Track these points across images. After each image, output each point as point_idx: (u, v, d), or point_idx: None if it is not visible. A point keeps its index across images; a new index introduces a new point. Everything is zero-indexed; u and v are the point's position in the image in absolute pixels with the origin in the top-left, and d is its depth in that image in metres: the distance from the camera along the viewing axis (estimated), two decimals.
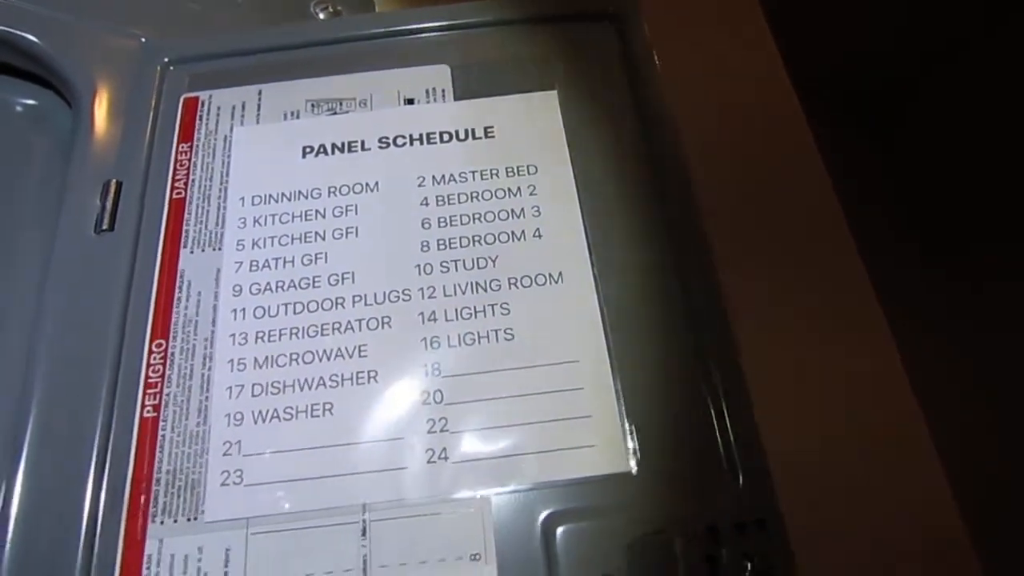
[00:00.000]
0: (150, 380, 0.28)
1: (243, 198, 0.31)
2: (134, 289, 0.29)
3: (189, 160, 0.32)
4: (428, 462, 0.26)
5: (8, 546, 0.25)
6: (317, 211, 0.31)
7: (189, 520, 0.26)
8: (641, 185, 0.31)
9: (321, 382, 0.28)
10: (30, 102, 0.36)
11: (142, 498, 0.26)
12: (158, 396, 0.28)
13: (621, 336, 0.28)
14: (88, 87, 0.32)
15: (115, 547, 0.25)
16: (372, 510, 0.26)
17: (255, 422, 0.27)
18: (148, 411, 0.27)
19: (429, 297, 0.29)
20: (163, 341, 0.29)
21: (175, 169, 0.32)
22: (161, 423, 0.27)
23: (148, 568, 0.25)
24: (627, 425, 0.26)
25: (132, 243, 0.30)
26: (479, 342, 0.28)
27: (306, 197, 0.31)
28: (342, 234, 0.30)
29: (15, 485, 0.26)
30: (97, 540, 0.25)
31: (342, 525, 0.25)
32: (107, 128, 0.32)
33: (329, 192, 0.31)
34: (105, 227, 0.30)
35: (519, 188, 0.31)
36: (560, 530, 0.25)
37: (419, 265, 0.29)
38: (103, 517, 0.26)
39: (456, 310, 0.28)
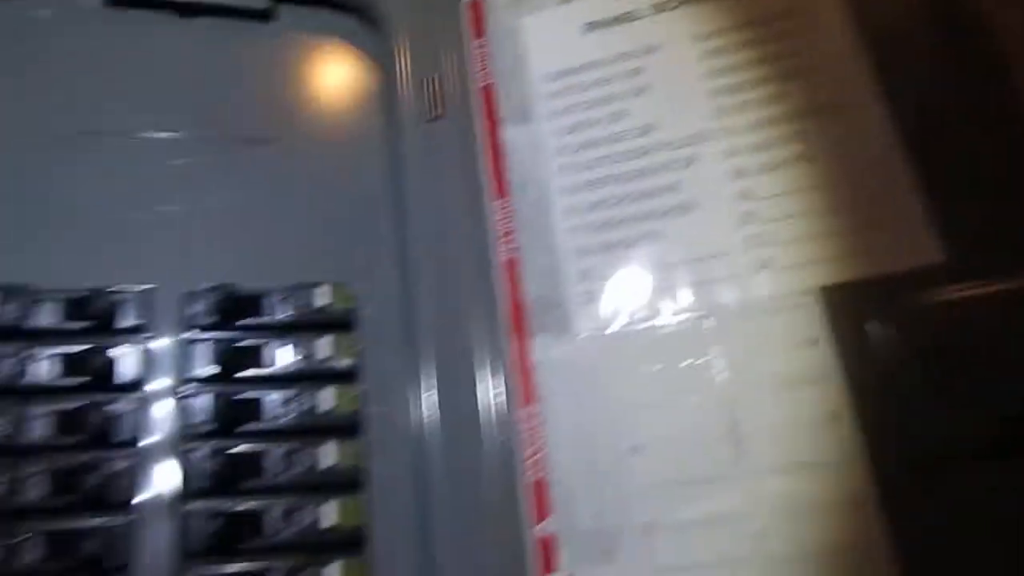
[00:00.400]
0: (501, 231, 0.34)
1: (543, 75, 0.36)
2: (470, 159, 0.35)
3: (486, 52, 0.37)
4: (755, 272, 0.31)
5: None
6: (611, 77, 0.35)
7: (560, 332, 0.32)
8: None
9: (648, 215, 0.32)
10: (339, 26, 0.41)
11: (522, 320, 0.32)
12: (512, 242, 0.33)
13: (912, 149, 0.31)
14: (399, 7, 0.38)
15: (507, 358, 0.32)
16: (715, 312, 0.31)
17: (599, 253, 0.32)
18: (507, 255, 0.33)
19: (729, 136, 0.33)
20: (505, 200, 0.34)
21: (479, 61, 0.37)
22: (520, 264, 0.33)
23: (537, 372, 0.31)
24: (929, 222, 0.30)
25: (459, 125, 0.36)
26: (783, 168, 0.32)
27: (598, 66, 0.36)
28: (638, 92, 0.35)
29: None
30: (492, 354, 0.32)
31: (689, 325, 0.31)
32: (419, 35, 0.38)
33: (617, 58, 0.35)
34: (436, 116, 0.36)
35: (795, 28, 0.34)
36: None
37: (715, 108, 0.33)
38: (493, 338, 0.32)
39: (755, 144, 0.32)
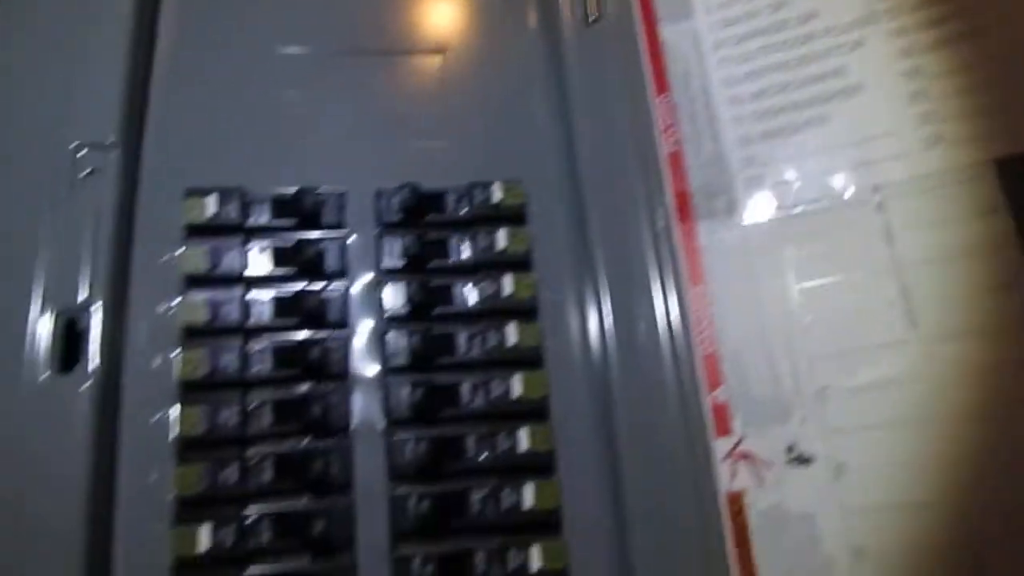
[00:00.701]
0: (664, 125, 0.35)
1: None
2: (630, 57, 0.36)
3: None
4: (927, 148, 0.31)
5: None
6: None
7: (727, 217, 0.33)
8: None
9: (812, 101, 0.33)
10: None
11: (688, 207, 0.34)
12: (675, 134, 0.35)
13: None
14: None
15: (675, 243, 0.33)
16: (884, 189, 0.31)
17: (763, 140, 0.33)
18: (671, 147, 0.35)
19: (897, 16, 0.33)
20: (666, 96, 0.36)
21: None
22: (684, 155, 0.35)
23: (705, 253, 0.33)
24: None
25: (617, 26, 0.37)
26: (952, 44, 0.32)
27: None
28: None
29: None
30: (662, 240, 0.34)
31: (858, 203, 0.31)
32: None
33: None
34: (594, 18, 0.37)
35: None
36: None
37: None
38: (661, 227, 0.34)
39: (923, 22, 0.32)
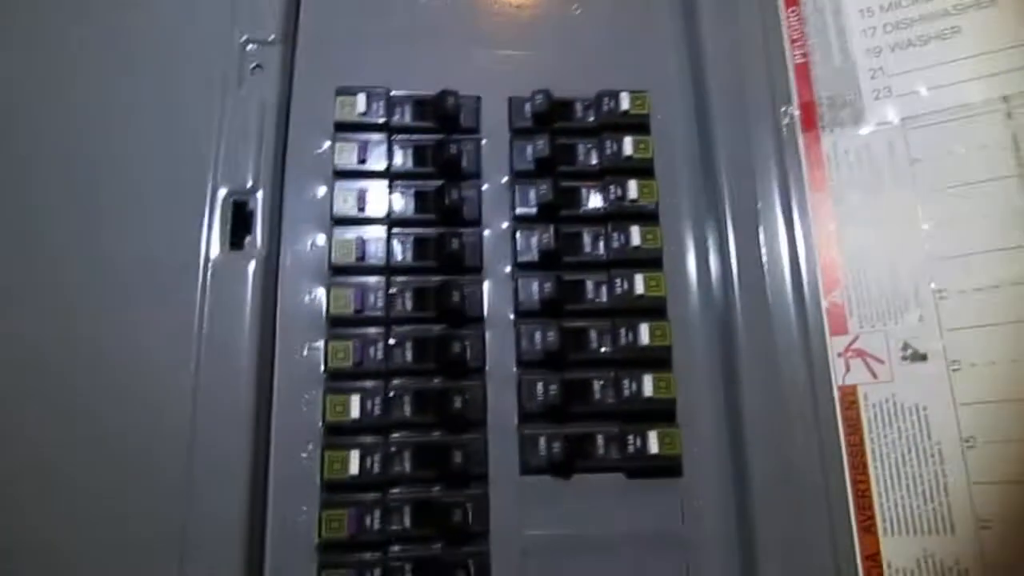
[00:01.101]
0: (793, 37, 0.36)
1: None
2: None
3: None
4: None
5: None
6: None
7: (853, 126, 0.34)
8: None
9: (943, 13, 0.34)
10: None
11: (813, 117, 0.35)
12: (803, 46, 0.36)
13: None
14: None
15: (799, 150, 0.35)
16: (1012, 99, 0.32)
17: (892, 51, 0.34)
18: (798, 59, 0.36)
19: None
20: (796, 8, 0.36)
21: None
22: (811, 66, 0.35)
23: (829, 161, 0.34)
24: None
25: None
26: None
27: None
28: None
29: None
30: (785, 147, 0.35)
31: (987, 111, 0.32)
32: None
33: None
34: None
35: None
36: None
37: None
38: (786, 134, 0.35)
39: None
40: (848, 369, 0.32)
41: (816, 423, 0.32)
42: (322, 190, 0.35)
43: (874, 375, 0.32)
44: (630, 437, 0.33)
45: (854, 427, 0.32)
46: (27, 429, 0.30)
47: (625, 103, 0.37)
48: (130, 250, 0.32)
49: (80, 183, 0.33)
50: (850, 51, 0.35)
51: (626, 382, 0.34)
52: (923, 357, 0.31)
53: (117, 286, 0.32)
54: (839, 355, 0.32)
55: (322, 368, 0.33)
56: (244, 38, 0.35)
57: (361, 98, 0.36)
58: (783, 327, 0.33)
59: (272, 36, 0.35)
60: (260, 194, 0.33)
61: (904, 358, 0.31)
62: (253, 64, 0.34)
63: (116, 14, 0.35)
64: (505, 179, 0.36)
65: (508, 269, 0.35)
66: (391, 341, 0.34)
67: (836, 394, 0.32)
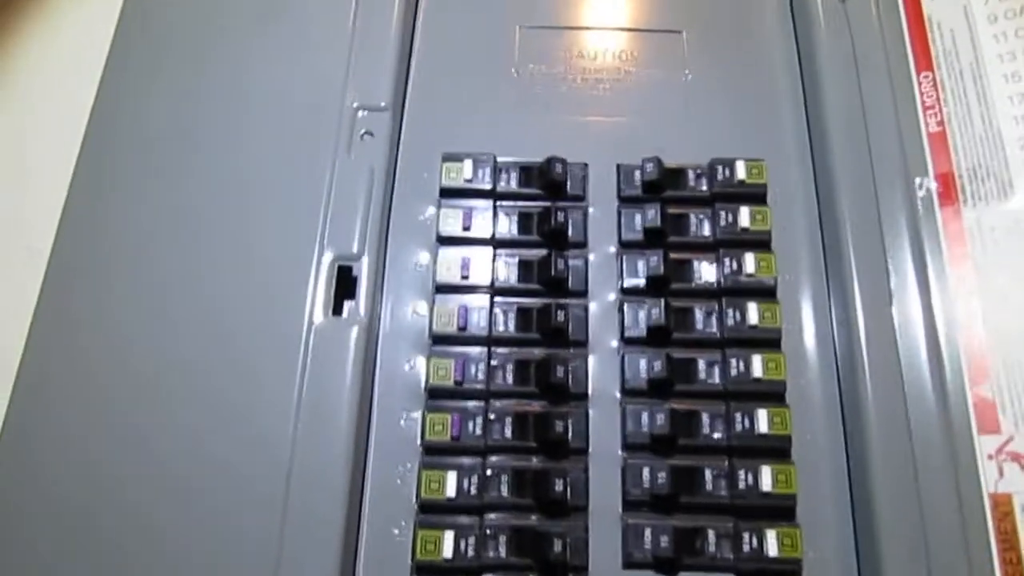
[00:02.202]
0: (926, 104, 0.33)
1: None
2: (888, 34, 0.35)
3: None
4: None
5: None
6: None
7: (1000, 200, 0.31)
8: None
9: None
10: None
11: (953, 189, 0.32)
12: (938, 114, 0.33)
13: None
14: None
15: (937, 226, 0.32)
16: None
17: None
18: (933, 127, 0.33)
19: None
20: (929, 72, 0.34)
21: None
22: (949, 135, 0.33)
23: (971, 237, 0.31)
24: None
25: (875, 3, 0.36)
26: None
27: None
28: None
29: None
30: (921, 223, 0.32)
31: None
32: None
33: None
34: None
35: None
36: None
37: None
38: (923, 211, 0.32)
39: None
40: (1002, 474, 0.29)
41: (964, 536, 0.28)
42: (426, 257, 0.34)
43: None
44: (745, 535, 0.30)
45: (1010, 542, 0.28)
46: (129, 493, 0.29)
47: (741, 172, 0.35)
48: (239, 313, 0.32)
49: (194, 244, 0.33)
50: (993, 118, 0.32)
51: (741, 473, 0.31)
52: None
53: (224, 349, 0.31)
54: (990, 457, 0.29)
55: (419, 440, 0.32)
56: (355, 104, 0.35)
57: (468, 164, 0.35)
58: (922, 422, 0.30)
59: (383, 103, 0.35)
60: (365, 260, 0.33)
61: None
62: (363, 131, 0.34)
63: (234, 78, 0.35)
64: (613, 249, 0.35)
65: (615, 344, 0.33)
66: (491, 416, 0.32)
67: (987, 503, 0.28)
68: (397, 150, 0.36)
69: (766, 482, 0.31)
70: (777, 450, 0.32)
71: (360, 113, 0.35)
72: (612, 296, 0.34)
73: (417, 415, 0.32)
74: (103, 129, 0.35)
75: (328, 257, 0.33)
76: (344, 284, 0.33)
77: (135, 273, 0.33)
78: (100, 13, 0.37)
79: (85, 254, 0.33)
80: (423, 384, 0.33)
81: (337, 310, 0.32)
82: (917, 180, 0.33)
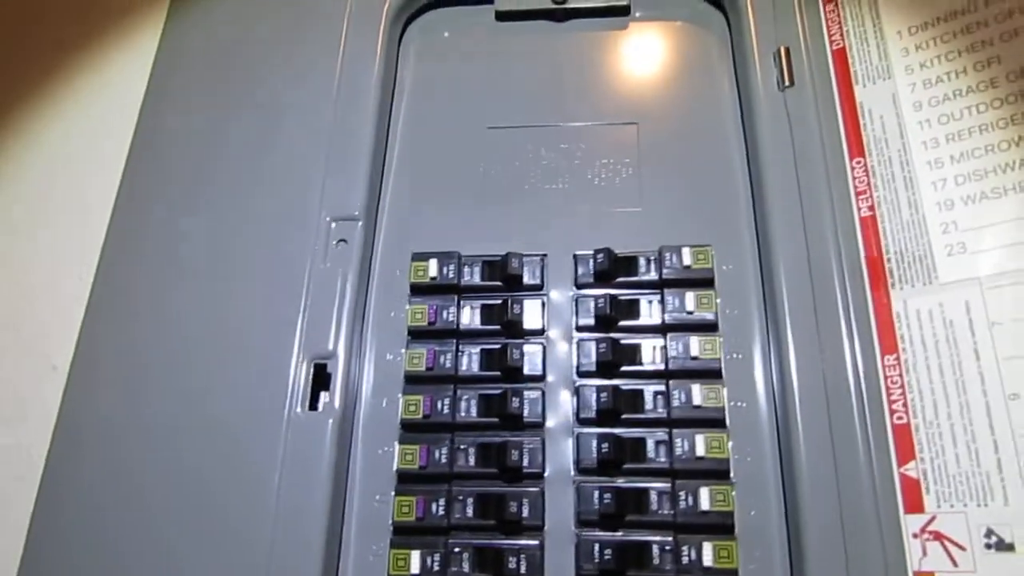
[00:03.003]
0: (859, 189, 0.35)
1: (899, 32, 0.36)
2: (824, 121, 0.37)
3: (838, 15, 0.38)
4: None
5: None
6: (978, 23, 0.34)
7: (925, 284, 0.32)
8: None
9: (1022, 161, 0.31)
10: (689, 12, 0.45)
11: (881, 273, 0.33)
12: (870, 199, 0.35)
13: None
14: None
15: (867, 309, 0.33)
16: None
17: (965, 204, 0.32)
18: (864, 211, 0.34)
19: None
20: (861, 159, 0.35)
21: (828, 26, 0.38)
22: (879, 219, 0.34)
23: (899, 322, 0.32)
24: None
25: (812, 90, 0.38)
26: None
27: (962, 14, 0.35)
28: (1010, 35, 0.33)
29: None
30: (851, 305, 0.33)
31: None
32: (765, 9, 0.40)
33: (986, 3, 0.34)
34: (787, 84, 0.38)
35: None
36: None
37: None
38: (852, 289, 0.34)
39: None
40: (925, 553, 0.30)
41: None
42: (397, 350, 0.38)
43: (954, 563, 0.29)
44: None
45: None
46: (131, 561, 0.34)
47: (687, 258, 0.37)
48: (225, 408, 0.36)
49: (186, 347, 0.37)
50: (920, 204, 0.33)
51: (685, 548, 0.33)
52: (1010, 547, 0.28)
53: (210, 441, 0.36)
54: (914, 536, 0.30)
55: (389, 520, 0.35)
56: (328, 217, 0.39)
57: (433, 263, 0.39)
58: (852, 501, 0.31)
59: (356, 212, 0.39)
60: (340, 357, 0.37)
61: (988, 546, 0.29)
62: (337, 239, 0.38)
63: (227, 197, 0.40)
64: (569, 334, 0.38)
65: (569, 424, 0.36)
66: (456, 497, 0.35)
67: None
68: (373, 252, 0.40)
69: (708, 557, 0.33)
70: (720, 526, 0.33)
71: (333, 225, 0.39)
72: (568, 380, 0.37)
73: (389, 497, 0.36)
74: (117, 245, 0.40)
75: (305, 355, 0.37)
76: (320, 379, 0.36)
77: (137, 373, 0.37)
78: (113, 150, 0.42)
79: (100, 363, 0.38)
80: (394, 468, 0.36)
81: (313, 404, 0.36)
82: (852, 264, 0.34)
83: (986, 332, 0.30)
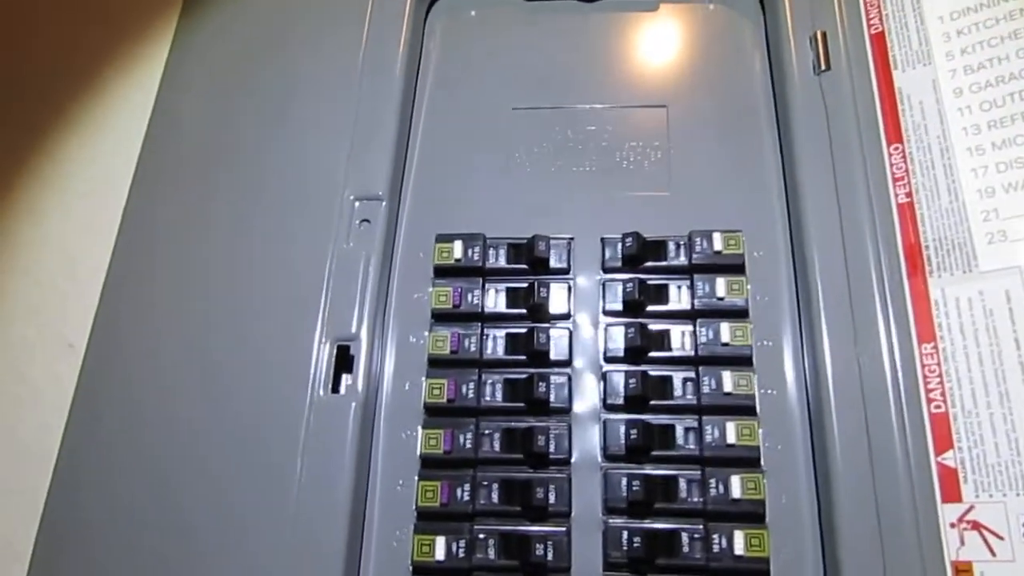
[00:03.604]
0: (896, 175, 0.34)
1: (941, 17, 0.36)
2: (861, 106, 0.36)
3: (877, 0, 0.38)
4: None
5: None
6: (1021, 9, 0.34)
7: (964, 272, 0.32)
8: None
9: None
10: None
11: (919, 261, 0.33)
12: (907, 186, 0.34)
13: None
14: None
15: (904, 297, 0.32)
16: None
17: (1006, 191, 0.32)
18: (902, 198, 0.34)
19: None
20: (899, 145, 0.35)
21: (867, 10, 0.38)
22: (916, 206, 0.34)
23: (937, 310, 0.32)
24: None
25: (849, 74, 0.37)
26: None
27: (1004, 1, 0.34)
28: None
29: None
30: (888, 293, 0.33)
31: None
32: None
33: None
34: (823, 68, 0.38)
35: None
36: None
37: None
38: (888, 277, 0.33)
39: None
40: (963, 543, 0.29)
41: None
42: (421, 333, 0.37)
43: (993, 552, 0.29)
44: None
45: None
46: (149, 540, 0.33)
47: (718, 243, 0.37)
48: (247, 391, 0.35)
49: (207, 324, 0.37)
50: (960, 191, 0.33)
51: (716, 537, 0.33)
52: None
53: (232, 424, 0.35)
54: (952, 526, 0.30)
55: (413, 505, 0.35)
56: (352, 196, 0.38)
57: (458, 244, 0.38)
58: (888, 491, 0.31)
59: (380, 192, 0.38)
60: (363, 339, 0.36)
61: None
62: (360, 219, 0.38)
63: (247, 176, 0.39)
64: (597, 319, 0.37)
65: (597, 410, 0.35)
66: (480, 482, 0.34)
67: (949, 571, 0.29)
68: (396, 233, 0.39)
69: (739, 546, 0.32)
70: (751, 514, 0.33)
71: (357, 204, 0.38)
72: (595, 365, 0.36)
73: (412, 482, 0.35)
74: (134, 227, 0.39)
75: (328, 338, 0.36)
76: (343, 362, 0.36)
77: (154, 344, 0.37)
78: (133, 129, 0.41)
79: (118, 345, 0.37)
80: (417, 453, 0.35)
81: (336, 387, 0.35)
82: (889, 252, 0.34)
83: None
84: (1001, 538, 0.28)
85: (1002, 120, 0.33)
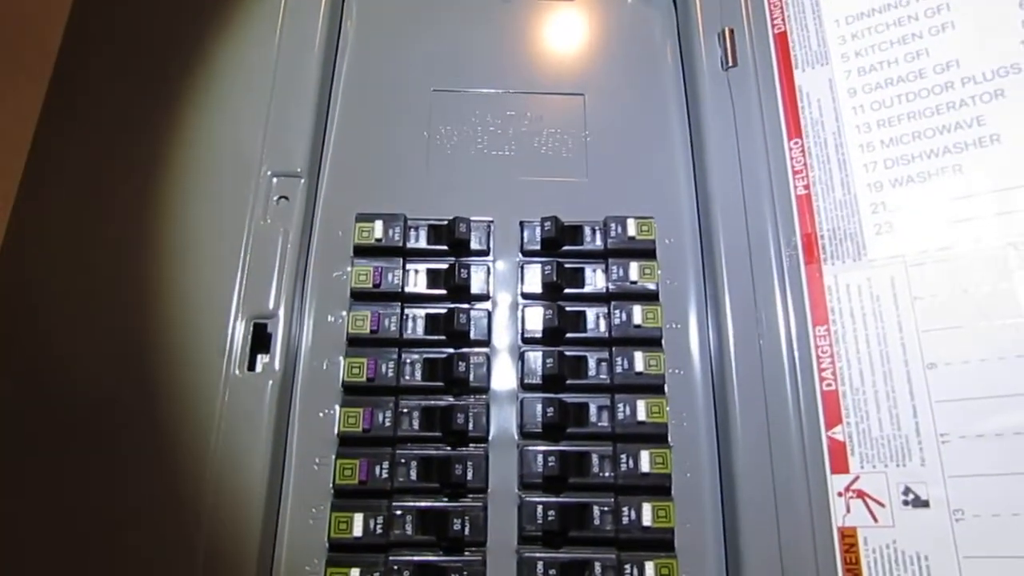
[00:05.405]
0: (796, 168, 0.37)
1: (837, 20, 0.38)
2: (765, 102, 0.38)
3: (782, 1, 0.40)
4: None
5: None
6: (909, 16, 0.36)
7: (855, 260, 0.34)
8: None
9: (946, 150, 0.34)
10: None
11: (815, 249, 0.35)
12: (806, 178, 0.36)
13: None
14: None
15: (801, 283, 0.35)
16: (1020, 241, 0.31)
17: (893, 186, 0.34)
18: (800, 190, 0.36)
19: None
20: (799, 139, 0.37)
21: (771, 10, 0.40)
22: (814, 198, 0.36)
23: (830, 295, 0.34)
24: None
25: (754, 72, 0.39)
26: None
27: (896, 7, 0.37)
28: (938, 30, 0.35)
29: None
30: (787, 278, 0.35)
31: (991, 253, 0.32)
32: None
33: None
34: (731, 64, 0.39)
35: None
36: None
37: None
38: (787, 264, 0.35)
39: None
40: (848, 510, 0.32)
41: (816, 564, 0.31)
42: (340, 312, 0.37)
43: (875, 518, 0.31)
44: (626, 567, 0.33)
45: (854, 571, 0.31)
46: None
47: (632, 229, 0.38)
48: (161, 367, 0.34)
49: (119, 300, 0.35)
50: (852, 184, 0.35)
51: (625, 509, 0.34)
52: (925, 503, 0.31)
53: (146, 400, 0.34)
54: (839, 495, 0.32)
55: (330, 483, 0.35)
56: (269, 172, 0.37)
57: (379, 224, 0.38)
58: (782, 463, 0.33)
59: (298, 169, 0.38)
60: (280, 317, 0.35)
61: (906, 503, 0.31)
62: (278, 196, 0.37)
63: (163, 147, 0.38)
64: (515, 301, 0.38)
65: (514, 390, 0.36)
66: (399, 460, 0.35)
67: (836, 535, 0.32)
68: (314, 211, 0.38)
69: (647, 517, 0.34)
70: (658, 487, 0.35)
71: (275, 180, 0.37)
72: (513, 345, 0.37)
73: (330, 461, 0.35)
74: (38, 182, 0.37)
75: (244, 315, 0.35)
76: (260, 340, 0.35)
77: (70, 332, 0.35)
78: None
79: (25, 318, 0.35)
80: (335, 431, 0.35)
81: (252, 365, 0.35)
82: (788, 240, 0.36)
83: (909, 306, 0.33)
84: (883, 505, 0.31)
85: (890, 120, 0.35)
